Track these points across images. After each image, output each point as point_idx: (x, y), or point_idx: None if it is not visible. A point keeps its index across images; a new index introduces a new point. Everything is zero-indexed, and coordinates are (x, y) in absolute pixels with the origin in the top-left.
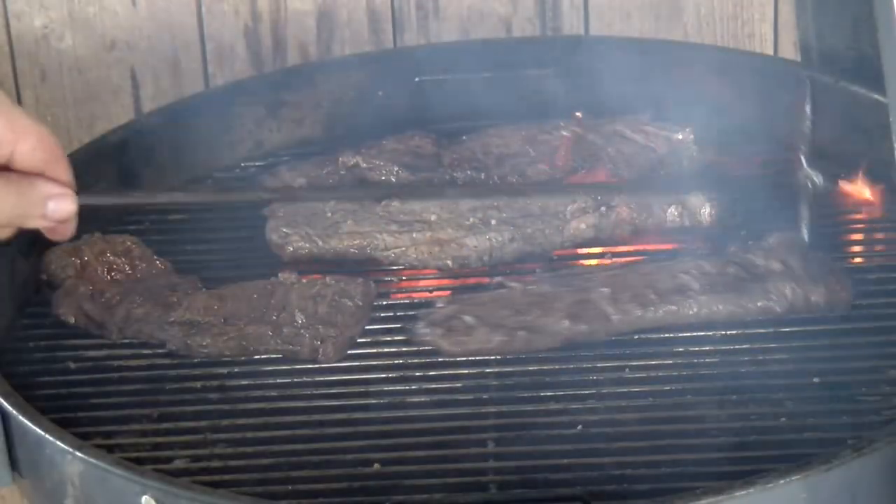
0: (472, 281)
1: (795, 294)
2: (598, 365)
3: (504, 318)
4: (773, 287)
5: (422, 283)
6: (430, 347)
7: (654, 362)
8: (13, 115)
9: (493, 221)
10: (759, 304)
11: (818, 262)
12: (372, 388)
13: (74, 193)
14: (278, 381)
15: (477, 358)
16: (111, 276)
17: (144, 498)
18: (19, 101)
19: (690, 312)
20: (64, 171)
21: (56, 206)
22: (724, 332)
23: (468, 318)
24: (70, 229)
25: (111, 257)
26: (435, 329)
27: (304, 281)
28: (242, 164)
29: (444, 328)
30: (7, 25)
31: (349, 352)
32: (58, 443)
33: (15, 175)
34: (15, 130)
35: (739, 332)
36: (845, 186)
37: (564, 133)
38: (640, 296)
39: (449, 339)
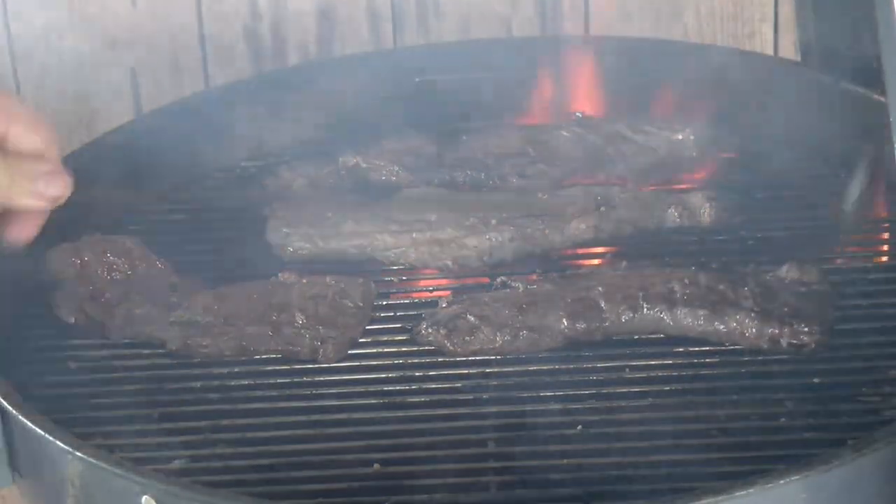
0: (471, 281)
1: (762, 333)
2: (598, 365)
3: (507, 318)
4: (745, 319)
5: (422, 283)
6: (433, 347)
7: (654, 362)
8: (7, 100)
9: (493, 221)
10: (724, 329)
11: (807, 300)
12: (372, 388)
13: (67, 174)
14: (278, 381)
15: (477, 358)
16: (111, 276)
17: (144, 498)
18: None
19: (669, 323)
20: (56, 156)
21: (47, 184)
22: None
23: (471, 319)
24: (34, 226)
25: (111, 257)
26: (439, 329)
27: (305, 281)
28: (242, 164)
29: (447, 328)
30: (7, 25)
31: (349, 352)
32: (58, 443)
33: (8, 153)
34: (8, 113)
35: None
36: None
37: (564, 133)
38: (630, 298)
39: (452, 339)
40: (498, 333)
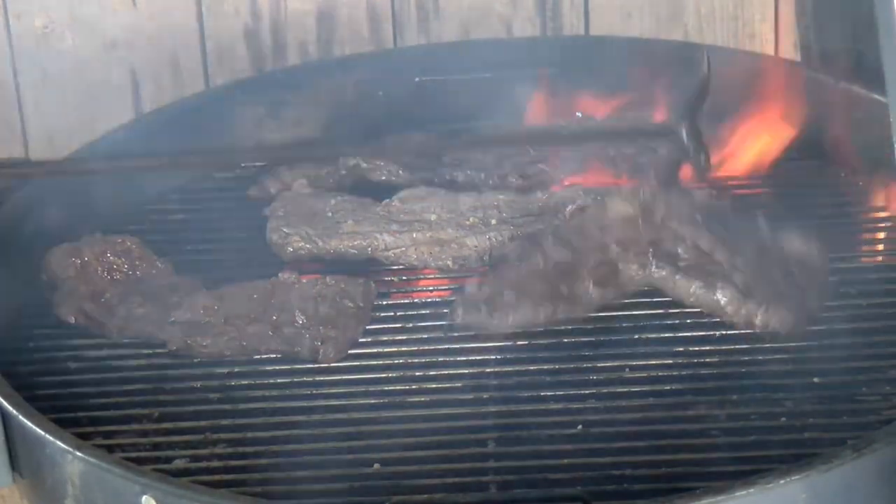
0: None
1: (738, 313)
2: (598, 365)
3: (541, 291)
4: (729, 295)
5: (422, 283)
6: (471, 332)
7: (654, 362)
8: None
9: (493, 221)
10: (713, 297)
11: (803, 277)
12: (372, 388)
13: None
14: (278, 381)
15: (477, 357)
16: (111, 276)
17: (144, 498)
18: (19, 101)
19: (669, 285)
20: None
21: None
22: (723, 332)
23: (508, 295)
24: None
25: (111, 257)
26: (478, 308)
27: (305, 281)
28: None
29: (487, 307)
30: (7, 25)
31: (349, 352)
32: (58, 443)
33: None
34: None
35: (739, 332)
36: None
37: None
38: (641, 255)
39: (494, 316)
40: (537, 307)
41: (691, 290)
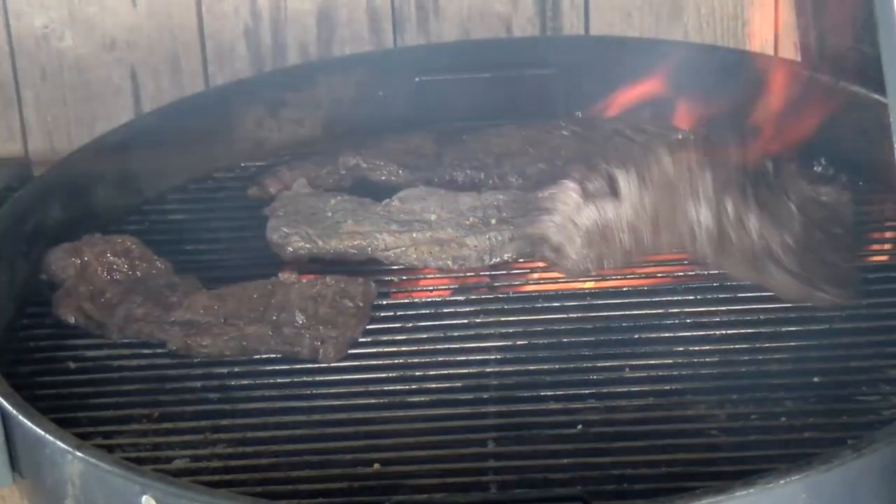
0: (472, 280)
1: (798, 292)
2: (598, 365)
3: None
4: (780, 277)
5: (422, 282)
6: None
7: (654, 362)
8: None
9: (493, 221)
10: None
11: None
12: (372, 388)
13: None
14: (278, 381)
15: (477, 357)
16: (111, 276)
17: (144, 498)
18: (19, 101)
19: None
20: None
21: None
22: (723, 332)
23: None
24: None
25: (111, 257)
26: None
27: (305, 281)
28: (242, 164)
29: (556, 252)
30: (7, 25)
31: (349, 352)
32: (58, 443)
33: None
34: None
35: (739, 331)
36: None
37: (564, 133)
38: (682, 225)
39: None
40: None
41: (742, 273)
